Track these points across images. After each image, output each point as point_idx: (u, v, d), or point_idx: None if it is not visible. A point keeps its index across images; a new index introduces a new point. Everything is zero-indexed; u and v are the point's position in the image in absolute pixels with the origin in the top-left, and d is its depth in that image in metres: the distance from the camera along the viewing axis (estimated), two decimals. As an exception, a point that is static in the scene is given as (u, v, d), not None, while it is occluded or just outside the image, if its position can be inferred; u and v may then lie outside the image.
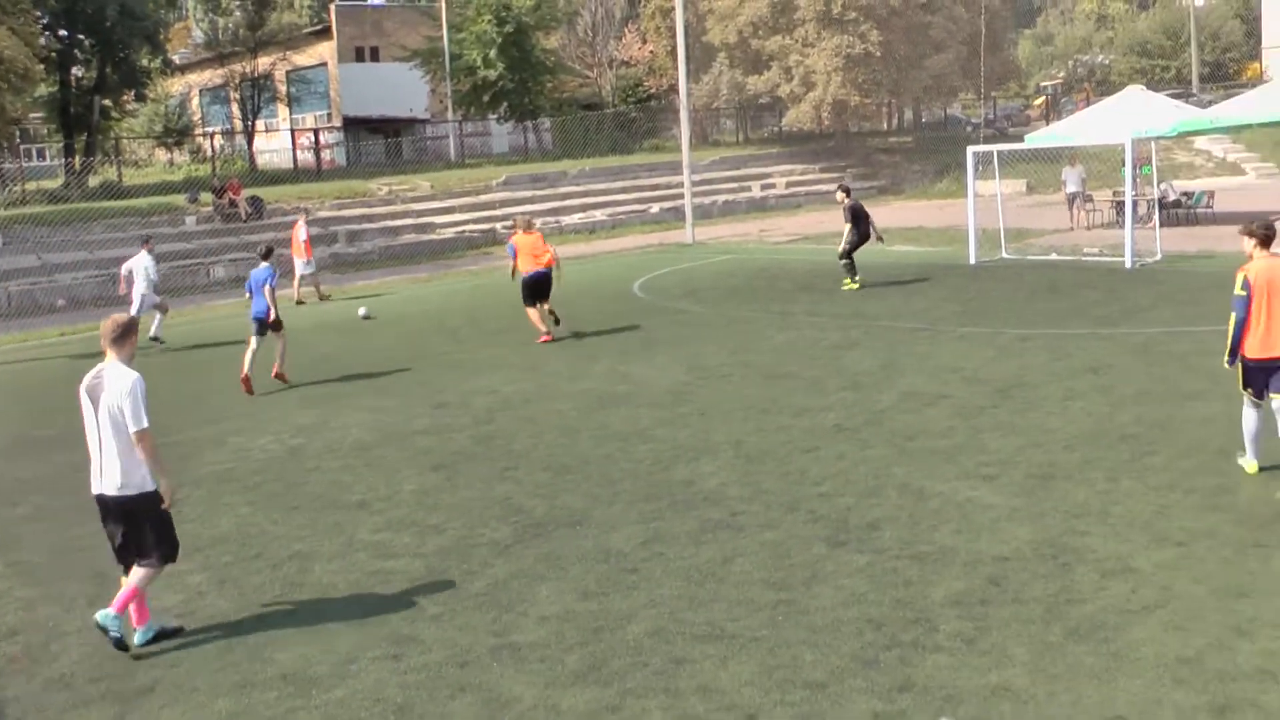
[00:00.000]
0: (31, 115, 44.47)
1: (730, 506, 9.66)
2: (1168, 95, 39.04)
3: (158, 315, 21.10)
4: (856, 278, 21.82)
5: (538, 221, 21.95)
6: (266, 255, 17.08)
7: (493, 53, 47.36)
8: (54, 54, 43.84)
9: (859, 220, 21.63)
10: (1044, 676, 6.38)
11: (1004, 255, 25.34)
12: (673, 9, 39.23)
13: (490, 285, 26.22)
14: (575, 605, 7.82)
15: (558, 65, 52.33)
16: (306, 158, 49.99)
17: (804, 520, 9.19)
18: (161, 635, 7.74)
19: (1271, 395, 9.37)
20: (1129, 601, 7.25)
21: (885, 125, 65.68)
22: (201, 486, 11.42)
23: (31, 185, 42.65)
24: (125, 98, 51.30)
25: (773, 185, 46.57)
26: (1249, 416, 9.52)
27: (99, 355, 7.77)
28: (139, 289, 20.52)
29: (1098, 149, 33.63)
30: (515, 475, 11.07)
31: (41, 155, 59.63)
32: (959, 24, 51.55)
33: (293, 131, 54.27)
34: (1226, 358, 9.56)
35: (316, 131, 52.83)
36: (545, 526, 9.48)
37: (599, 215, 39.82)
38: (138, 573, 7.65)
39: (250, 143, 55.11)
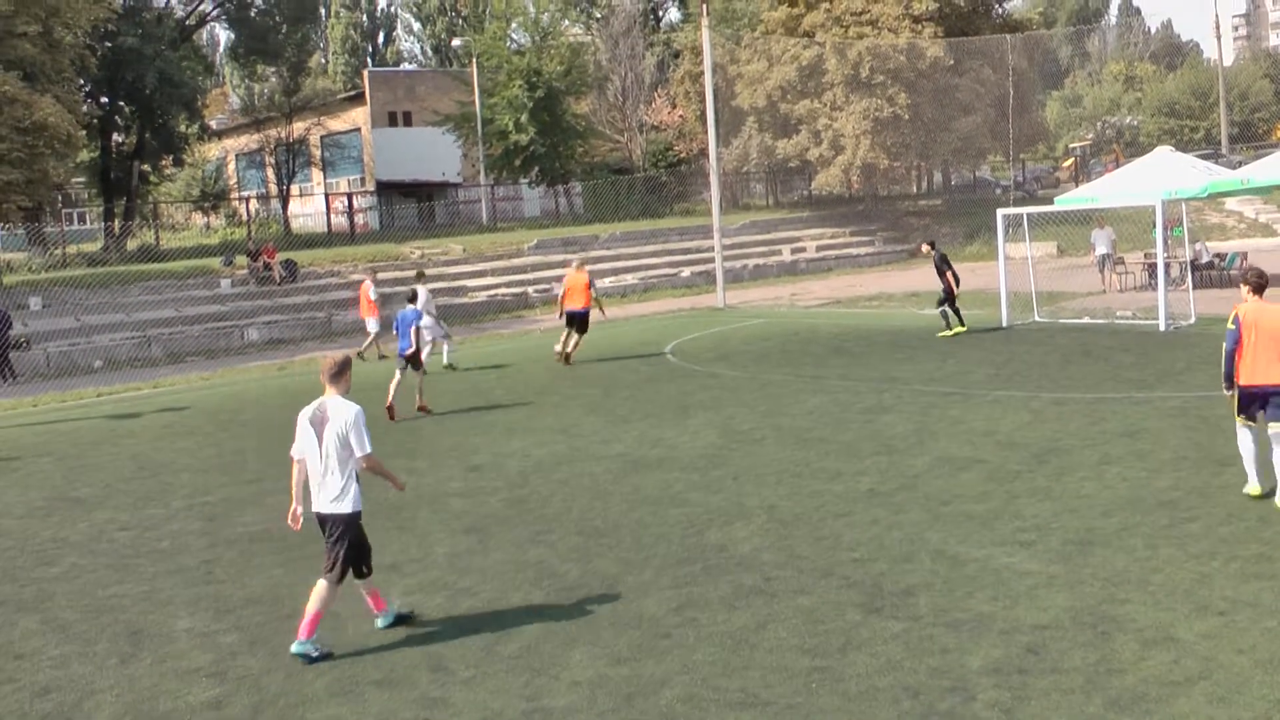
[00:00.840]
0: (73, 180, 45.42)
1: (764, 572, 9.60)
2: (1197, 156, 39.03)
3: (445, 344, 22.06)
4: (958, 323, 23.23)
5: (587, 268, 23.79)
6: (413, 299, 19.05)
7: (524, 117, 47.95)
8: (95, 120, 44.82)
9: (950, 267, 23.40)
10: (1085, 747, 6.28)
11: (1036, 318, 25.27)
12: (702, 74, 39.62)
13: (522, 348, 26.34)
14: (608, 670, 7.78)
15: (588, 130, 52.88)
16: (340, 221, 50.60)
17: (838, 586, 9.12)
18: (399, 621, 8.82)
19: (1269, 424, 10.49)
20: (1171, 672, 7.14)
21: (915, 188, 65.87)
22: (235, 546, 11.47)
23: (72, 249, 43.44)
24: (163, 163, 52.27)
25: (803, 249, 46.67)
26: (1244, 439, 10.74)
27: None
28: (425, 322, 20.66)
29: (1128, 211, 33.55)
30: (548, 539, 11.06)
31: (82, 219, 60.59)
32: (987, 86, 51.72)
33: (327, 195, 55.00)
34: (1224, 384, 10.99)
35: (350, 195, 53.48)
36: (577, 590, 9.46)
37: (630, 279, 39.99)
38: (317, 590, 8.45)
39: (285, 207, 55.88)
